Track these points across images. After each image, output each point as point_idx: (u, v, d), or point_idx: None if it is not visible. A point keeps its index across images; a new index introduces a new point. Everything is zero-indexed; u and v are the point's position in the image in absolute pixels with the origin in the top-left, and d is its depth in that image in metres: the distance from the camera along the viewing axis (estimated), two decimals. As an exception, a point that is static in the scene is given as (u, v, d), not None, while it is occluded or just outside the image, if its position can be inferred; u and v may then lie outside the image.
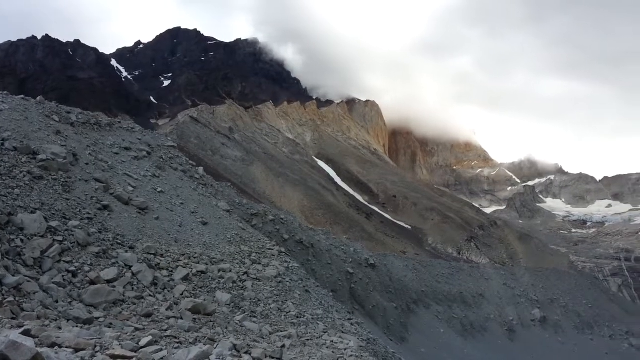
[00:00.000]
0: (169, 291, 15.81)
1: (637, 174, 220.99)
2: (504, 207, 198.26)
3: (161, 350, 9.88)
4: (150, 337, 10.56)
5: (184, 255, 19.01)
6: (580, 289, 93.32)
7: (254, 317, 17.80)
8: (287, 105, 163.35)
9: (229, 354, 10.20)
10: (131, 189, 21.66)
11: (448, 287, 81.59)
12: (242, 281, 19.90)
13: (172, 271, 17.25)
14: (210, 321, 14.59)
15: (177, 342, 11.43)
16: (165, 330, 12.19)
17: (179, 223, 21.52)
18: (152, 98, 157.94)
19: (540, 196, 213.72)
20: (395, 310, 68.34)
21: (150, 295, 14.72)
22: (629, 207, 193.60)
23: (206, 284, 18.05)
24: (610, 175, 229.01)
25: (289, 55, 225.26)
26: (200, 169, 31.45)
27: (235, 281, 19.40)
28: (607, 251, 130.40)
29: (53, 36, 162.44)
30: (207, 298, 16.80)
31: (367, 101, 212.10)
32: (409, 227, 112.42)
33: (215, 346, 10.85)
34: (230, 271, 19.88)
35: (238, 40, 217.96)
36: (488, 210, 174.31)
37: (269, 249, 25.53)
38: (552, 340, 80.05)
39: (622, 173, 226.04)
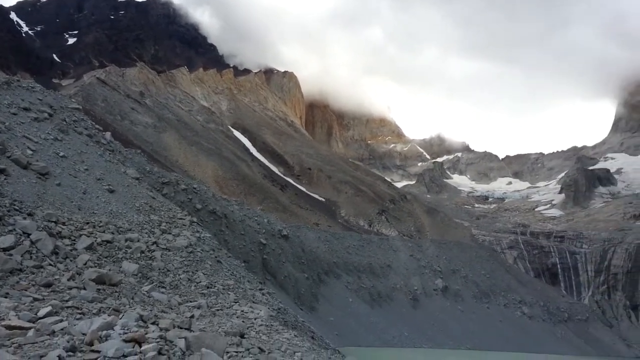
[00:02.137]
0: (71, 261, 15.16)
1: (536, 153, 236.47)
2: (414, 182, 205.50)
3: (62, 321, 9.51)
4: (49, 308, 10.14)
5: (88, 223, 18.23)
6: (480, 261, 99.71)
7: (163, 287, 17.52)
8: (203, 71, 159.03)
9: (134, 324, 9.97)
10: (30, 152, 20.40)
11: (358, 258, 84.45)
12: (150, 251, 19.47)
13: (74, 240, 16.52)
14: (116, 291, 14.16)
15: (80, 313, 11.05)
16: (67, 300, 11.74)
17: (83, 190, 20.57)
18: (55, 56, 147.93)
19: (448, 172, 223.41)
20: (306, 281, 69.77)
21: (50, 265, 14.05)
22: (527, 184, 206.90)
23: (112, 253, 17.47)
24: (511, 154, 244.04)
25: (205, 19, 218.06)
26: (108, 134, 30.13)
27: (143, 251, 18.93)
28: (506, 225, 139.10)
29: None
30: (112, 268, 16.27)
31: (285, 72, 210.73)
32: (323, 200, 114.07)
33: (120, 317, 10.57)
34: (138, 241, 19.35)
35: (150, 0, 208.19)
36: (399, 185, 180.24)
37: (180, 218, 25.07)
38: (453, 309, 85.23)
39: (522, 152, 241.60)
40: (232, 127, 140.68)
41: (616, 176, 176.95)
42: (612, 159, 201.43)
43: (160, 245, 20.42)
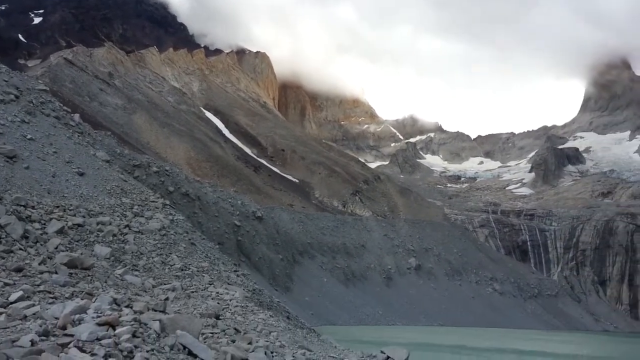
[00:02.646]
0: (41, 245, 14.95)
1: (506, 133, 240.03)
2: (387, 163, 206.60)
3: (33, 305, 9.43)
4: (21, 292, 10.03)
5: (58, 207, 17.96)
6: (452, 239, 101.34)
7: (136, 270, 17.42)
8: (173, 52, 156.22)
9: (108, 307, 9.91)
10: (-4, 135, 19.92)
11: (332, 239, 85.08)
12: (123, 234, 19.32)
13: (45, 224, 16.28)
14: (88, 275, 14.03)
15: (52, 297, 10.96)
16: (38, 285, 11.62)
17: (52, 173, 20.21)
18: (20, 36, 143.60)
19: (421, 152, 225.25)
20: (281, 262, 70.07)
21: (20, 249, 13.84)
22: (498, 164, 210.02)
23: (83, 237, 17.27)
24: (483, 134, 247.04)
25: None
26: (76, 116, 29.56)
27: (115, 234, 18.76)
28: (477, 204, 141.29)
29: None
30: (84, 252, 16.09)
31: (258, 52, 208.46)
32: (297, 181, 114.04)
33: (93, 300, 10.49)
34: (110, 224, 19.16)
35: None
36: (373, 165, 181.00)
37: (153, 201, 24.86)
38: (426, 286, 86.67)
39: (494, 132, 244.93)
40: (204, 108, 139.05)
41: (585, 155, 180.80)
42: (581, 138, 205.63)
43: (132, 228, 20.26)
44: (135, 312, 10.48)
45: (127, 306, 10.97)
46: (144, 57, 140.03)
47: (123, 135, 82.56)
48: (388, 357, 15.92)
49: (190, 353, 9.45)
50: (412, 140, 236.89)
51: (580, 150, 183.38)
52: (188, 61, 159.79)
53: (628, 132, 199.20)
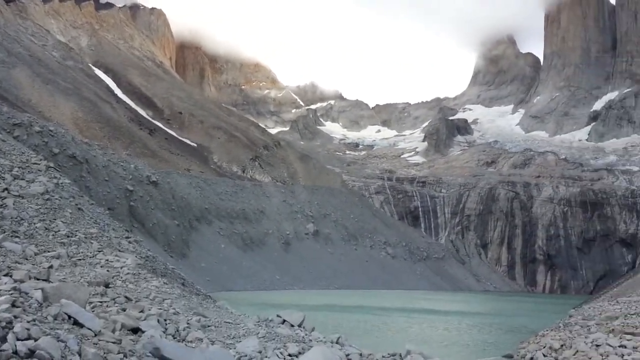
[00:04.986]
0: None
1: (403, 103, 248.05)
2: (287, 129, 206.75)
3: None
4: None
5: None
6: (349, 205, 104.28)
7: (16, 237, 16.24)
8: (59, 3, 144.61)
9: (-19, 277, 9.11)
10: None
11: (231, 204, 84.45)
12: (1, 198, 17.87)
13: None
14: (-41, 243, 12.83)
15: None
16: None
17: None
18: None
19: (321, 119, 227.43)
20: (177, 228, 68.62)
21: None
22: (394, 132, 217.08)
23: (-47, 201, 15.74)
24: (381, 103, 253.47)
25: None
26: (-55, 68, 26.62)
27: (-9, 198, 17.27)
28: (374, 171, 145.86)
29: None
30: (-46, 217, 14.68)
31: (153, 9, 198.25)
32: (195, 145, 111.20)
33: (-36, 270, 9.60)
34: (-15, 187, 17.59)
35: None
36: (273, 131, 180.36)
37: (35, 163, 23.16)
38: (323, 251, 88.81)
39: (391, 102, 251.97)
40: (93, 65, 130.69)
41: (473, 126, 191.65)
42: (470, 110, 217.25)
43: (12, 192, 18.78)
44: (15, 280, 9.80)
45: (6, 275, 10.25)
46: (25, 8, 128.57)
47: (1, 92, 75.86)
48: (284, 320, 16.10)
49: (75, 322, 8.95)
50: (313, 107, 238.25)
51: (468, 121, 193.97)
52: (76, 14, 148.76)
53: (511, 106, 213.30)
